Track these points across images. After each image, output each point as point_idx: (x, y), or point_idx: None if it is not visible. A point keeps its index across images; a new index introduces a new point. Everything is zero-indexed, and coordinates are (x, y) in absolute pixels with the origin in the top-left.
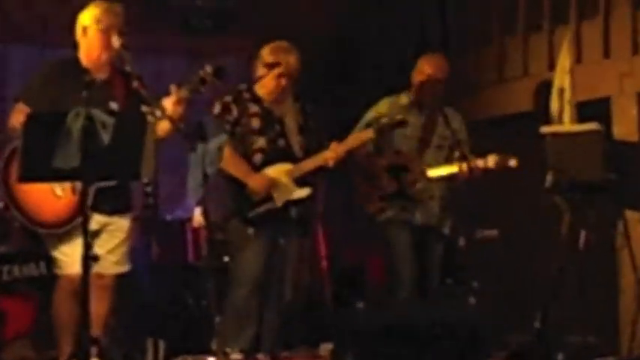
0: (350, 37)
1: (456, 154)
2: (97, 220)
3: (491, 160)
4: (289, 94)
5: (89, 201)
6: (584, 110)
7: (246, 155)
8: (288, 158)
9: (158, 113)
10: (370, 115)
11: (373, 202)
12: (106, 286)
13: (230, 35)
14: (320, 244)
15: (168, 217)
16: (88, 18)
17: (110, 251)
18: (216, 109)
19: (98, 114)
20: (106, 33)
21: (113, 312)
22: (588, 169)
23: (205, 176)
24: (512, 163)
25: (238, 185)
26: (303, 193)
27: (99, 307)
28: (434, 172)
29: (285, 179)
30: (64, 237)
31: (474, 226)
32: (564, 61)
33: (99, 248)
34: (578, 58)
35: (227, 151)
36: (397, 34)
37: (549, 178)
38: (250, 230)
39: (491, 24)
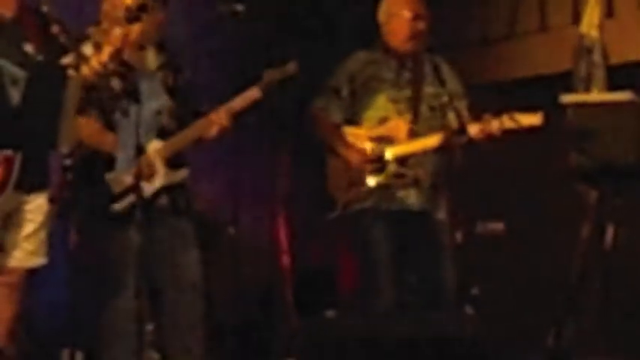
0: None
1: (450, 115)
2: (9, 199)
3: (508, 120)
4: (151, 40)
5: (14, 175)
6: (617, 76)
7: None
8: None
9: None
10: (339, 76)
11: (348, 187)
12: (14, 283)
13: None
14: (281, 236)
15: None
16: None
17: (26, 238)
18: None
19: (6, 66)
20: None
21: (21, 316)
22: (620, 150)
23: (139, 148)
24: (536, 120)
25: (91, 172)
26: (177, 176)
27: (4, 309)
28: (400, 149)
29: (157, 160)
30: None
31: (474, 218)
32: (592, 12)
33: (10, 234)
34: (609, 11)
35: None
36: None
37: (571, 160)
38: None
39: None
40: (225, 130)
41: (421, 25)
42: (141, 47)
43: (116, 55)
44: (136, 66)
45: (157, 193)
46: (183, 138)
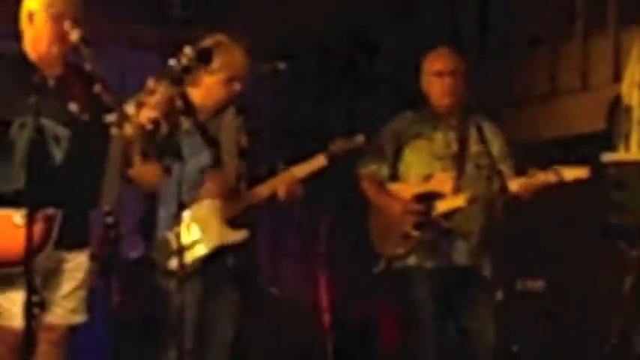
0: (364, 30)
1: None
2: (50, 257)
3: (554, 173)
4: (229, 104)
5: (55, 233)
6: None
7: None
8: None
9: (127, 126)
10: (385, 135)
11: (392, 243)
12: (56, 340)
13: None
14: (322, 294)
15: (133, 256)
16: (35, 1)
17: (65, 296)
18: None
19: (50, 125)
20: (58, 20)
21: None
22: None
23: (181, 206)
24: (582, 173)
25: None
26: (237, 236)
27: None
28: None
29: (214, 219)
30: (13, 277)
31: (515, 275)
32: (633, 71)
33: (51, 292)
34: None
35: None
36: (423, 33)
37: (612, 219)
38: (172, 284)
39: (543, 24)
40: (294, 194)
41: (448, 81)
42: (216, 111)
43: (158, 115)
44: (211, 129)
45: (217, 253)
46: (249, 198)
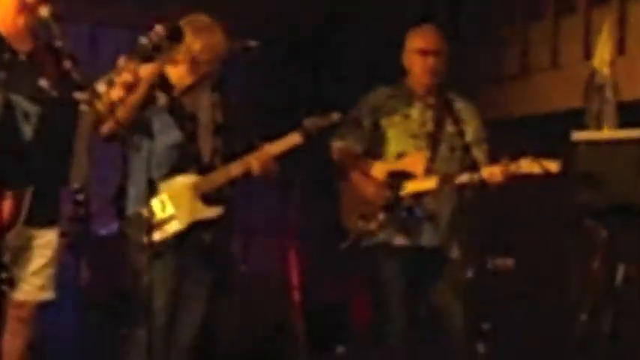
0: (334, 12)
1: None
2: (19, 234)
3: (525, 165)
4: (207, 82)
5: (24, 210)
6: (629, 113)
7: None
8: (194, 167)
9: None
10: (363, 108)
11: (361, 218)
12: (25, 317)
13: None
14: (292, 271)
15: (103, 232)
16: None
17: (35, 273)
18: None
19: (20, 101)
20: None
21: (30, 350)
22: (631, 188)
23: (151, 182)
24: (554, 167)
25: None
26: (211, 212)
27: (13, 342)
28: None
29: (189, 195)
30: None
31: (485, 254)
32: (604, 50)
33: (20, 269)
34: (621, 47)
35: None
36: (393, 11)
37: (581, 197)
38: (145, 259)
39: (513, 4)
40: (268, 170)
41: (431, 61)
42: (192, 88)
43: (128, 92)
44: (188, 107)
45: (192, 229)
46: (223, 174)
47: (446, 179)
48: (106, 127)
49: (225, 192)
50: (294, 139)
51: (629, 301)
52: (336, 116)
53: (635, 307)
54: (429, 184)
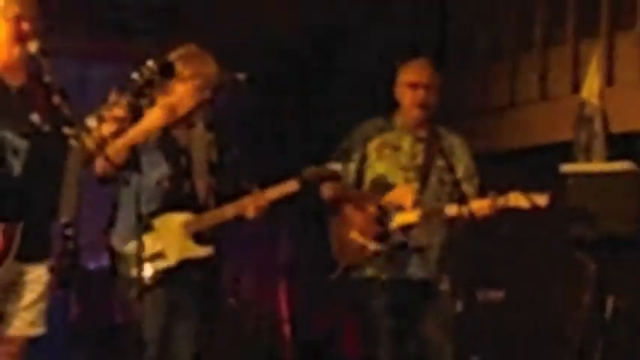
0: (324, 41)
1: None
2: (10, 269)
3: (514, 199)
4: (199, 117)
5: (15, 246)
6: (617, 145)
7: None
8: (189, 205)
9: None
10: (354, 139)
11: (351, 252)
12: (14, 352)
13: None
14: (281, 305)
15: (92, 267)
16: None
17: (25, 308)
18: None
19: (9, 137)
20: (15, 21)
21: None
22: (620, 220)
23: (140, 217)
24: (542, 201)
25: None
26: (202, 252)
27: None
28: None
29: (181, 232)
30: None
31: (475, 286)
32: (592, 81)
33: (10, 305)
34: (609, 80)
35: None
36: (382, 42)
37: (571, 230)
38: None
39: (501, 34)
40: (261, 216)
41: (421, 94)
42: (189, 125)
43: (119, 128)
44: (182, 142)
45: (181, 266)
46: (217, 216)
47: (431, 212)
48: (100, 167)
49: (216, 232)
50: (291, 186)
51: (618, 332)
52: (337, 167)
53: (625, 339)
54: (413, 217)
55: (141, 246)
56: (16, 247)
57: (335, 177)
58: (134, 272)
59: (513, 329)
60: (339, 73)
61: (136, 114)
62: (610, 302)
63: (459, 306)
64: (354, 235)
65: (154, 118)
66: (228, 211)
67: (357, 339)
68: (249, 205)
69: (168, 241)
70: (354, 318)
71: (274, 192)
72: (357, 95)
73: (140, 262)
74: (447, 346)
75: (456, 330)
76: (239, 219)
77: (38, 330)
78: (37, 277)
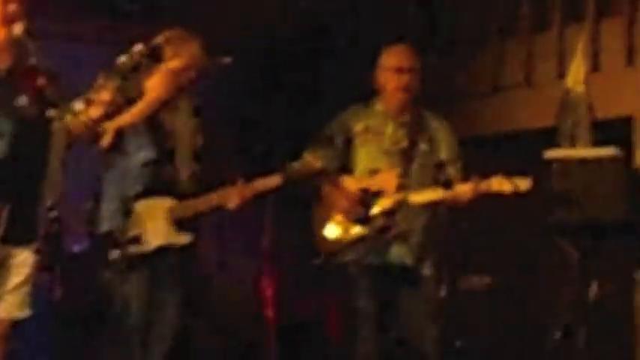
0: (313, 28)
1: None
2: None
3: (496, 184)
4: (186, 102)
5: (1, 228)
6: (602, 131)
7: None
8: (170, 190)
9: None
10: (336, 125)
11: (335, 239)
12: (0, 334)
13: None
14: (265, 288)
15: (76, 249)
16: None
17: (12, 291)
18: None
19: None
20: (0, 5)
21: None
22: (604, 206)
23: (125, 199)
24: (524, 185)
25: None
26: (182, 239)
27: None
28: (417, 197)
29: (162, 218)
30: None
31: (459, 272)
32: (578, 67)
33: None
34: (594, 66)
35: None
36: (369, 28)
37: (554, 215)
38: (116, 276)
39: (486, 20)
40: (244, 205)
41: (405, 78)
42: (173, 108)
43: (106, 111)
44: (167, 125)
45: (160, 251)
46: (200, 204)
47: (403, 200)
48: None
49: (197, 219)
50: (275, 181)
51: (602, 317)
52: (318, 165)
53: (608, 324)
54: (391, 202)
55: (123, 228)
56: (2, 229)
57: (319, 174)
58: (114, 254)
59: (497, 315)
60: (329, 63)
61: (123, 97)
62: (593, 287)
63: (442, 291)
64: (338, 219)
65: (156, 85)
66: (212, 199)
67: (340, 323)
68: (233, 196)
69: (151, 226)
70: (338, 302)
71: (258, 185)
72: (348, 86)
73: (120, 244)
74: (428, 331)
75: (439, 315)
76: (219, 208)
77: (24, 312)
78: (23, 260)
